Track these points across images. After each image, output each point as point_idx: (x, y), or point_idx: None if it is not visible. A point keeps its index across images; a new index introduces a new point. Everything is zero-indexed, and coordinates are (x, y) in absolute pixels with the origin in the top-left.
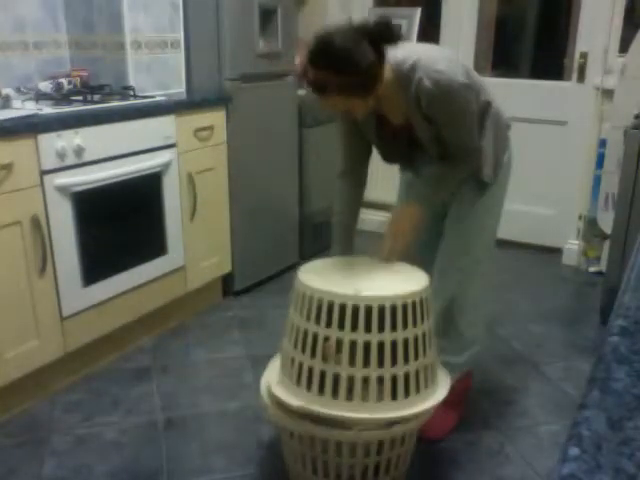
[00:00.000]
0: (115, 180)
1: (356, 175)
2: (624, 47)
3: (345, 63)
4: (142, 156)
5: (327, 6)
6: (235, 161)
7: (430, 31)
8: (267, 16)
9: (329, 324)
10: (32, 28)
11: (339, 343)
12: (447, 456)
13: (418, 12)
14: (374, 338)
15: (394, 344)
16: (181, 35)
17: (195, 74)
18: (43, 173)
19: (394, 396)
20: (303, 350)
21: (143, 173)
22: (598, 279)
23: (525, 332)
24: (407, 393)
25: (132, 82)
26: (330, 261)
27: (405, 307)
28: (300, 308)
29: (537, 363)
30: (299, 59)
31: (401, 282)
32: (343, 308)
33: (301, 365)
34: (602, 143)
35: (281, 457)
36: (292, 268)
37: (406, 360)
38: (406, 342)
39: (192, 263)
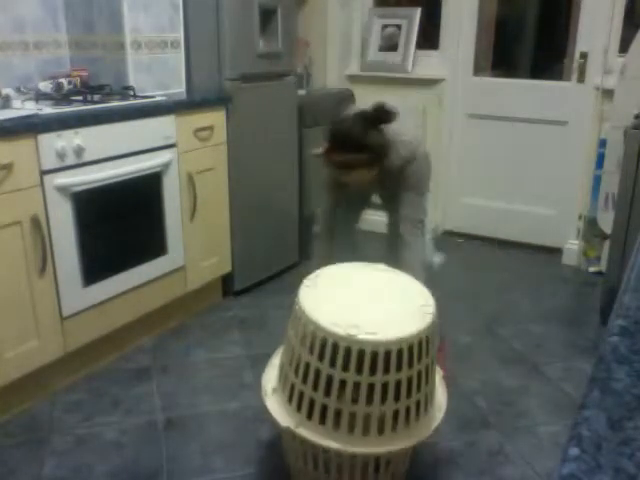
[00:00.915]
0: (115, 180)
1: (333, 230)
2: (624, 47)
3: (364, 145)
4: (142, 156)
5: (327, 6)
6: (235, 161)
7: (430, 31)
8: (267, 16)
9: (325, 360)
10: (32, 28)
11: (330, 378)
12: (447, 456)
13: (418, 12)
14: (364, 380)
15: (385, 385)
16: (181, 35)
17: (195, 74)
18: (43, 173)
19: (381, 431)
20: (296, 373)
21: (143, 173)
22: (598, 279)
23: (525, 332)
24: (394, 429)
25: (132, 82)
26: (333, 276)
27: (400, 352)
28: (301, 338)
29: (537, 363)
30: (322, 148)
31: (402, 316)
32: (338, 346)
33: (293, 387)
34: (602, 143)
35: (281, 456)
36: (292, 268)
37: (397, 399)
38: (398, 383)
39: (192, 263)
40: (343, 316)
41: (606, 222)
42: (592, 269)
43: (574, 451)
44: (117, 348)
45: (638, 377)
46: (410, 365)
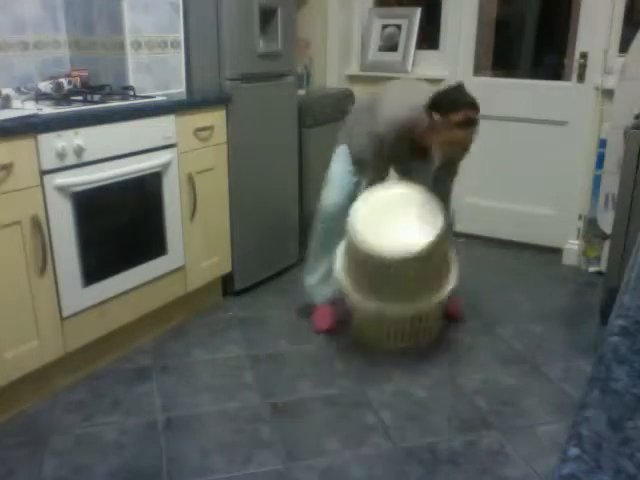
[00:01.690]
0: (115, 180)
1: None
2: (624, 47)
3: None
4: (142, 156)
5: (327, 6)
6: (235, 161)
7: (430, 31)
8: (267, 16)
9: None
10: (32, 28)
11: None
12: (447, 456)
13: (418, 12)
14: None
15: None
16: (181, 35)
17: (195, 74)
18: (43, 173)
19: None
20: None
21: (143, 173)
22: (598, 279)
23: (525, 332)
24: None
25: (132, 82)
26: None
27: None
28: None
29: (537, 363)
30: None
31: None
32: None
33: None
34: (602, 143)
35: (281, 456)
36: (292, 268)
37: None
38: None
39: (192, 263)
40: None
41: (606, 222)
42: (592, 269)
43: (574, 451)
44: (117, 348)
45: (638, 377)
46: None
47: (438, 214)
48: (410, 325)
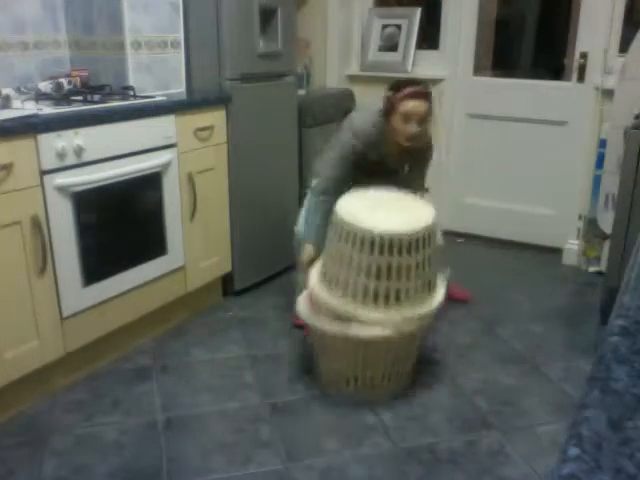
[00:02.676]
0: (115, 180)
1: (336, 197)
2: (624, 47)
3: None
4: (142, 156)
5: (327, 6)
6: (235, 161)
7: (430, 31)
8: (267, 16)
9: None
10: (32, 28)
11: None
12: (447, 456)
13: (418, 12)
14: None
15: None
16: (181, 35)
17: (195, 74)
18: (43, 173)
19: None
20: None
21: (143, 173)
22: (598, 279)
23: (525, 332)
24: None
25: (132, 82)
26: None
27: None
28: (345, 239)
29: (537, 363)
30: (392, 93)
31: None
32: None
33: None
34: (602, 143)
35: (281, 456)
36: (292, 268)
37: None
38: (408, 266)
39: (192, 263)
40: (374, 219)
41: (606, 222)
42: (592, 269)
43: (574, 451)
44: (117, 348)
45: (638, 377)
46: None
47: (429, 206)
48: (383, 361)
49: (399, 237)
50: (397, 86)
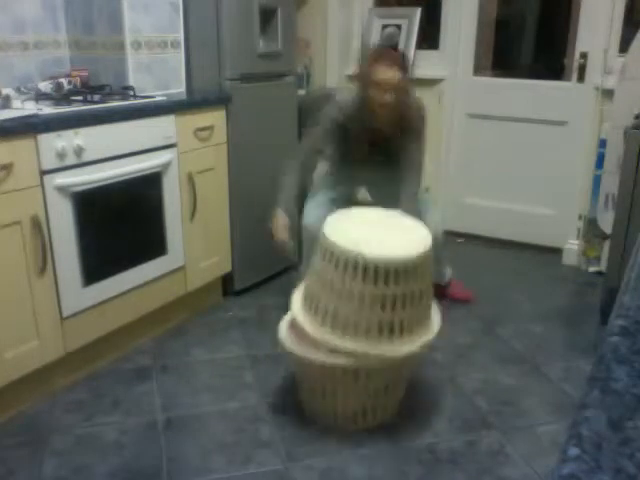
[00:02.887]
0: (115, 180)
1: (305, 172)
2: (624, 47)
3: (405, 66)
4: (142, 156)
5: (327, 6)
6: (235, 161)
7: (430, 31)
8: (267, 16)
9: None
10: (32, 28)
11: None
12: (447, 456)
13: (418, 12)
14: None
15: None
16: (181, 35)
17: (195, 74)
18: (43, 173)
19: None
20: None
21: (143, 173)
22: (598, 279)
23: (525, 332)
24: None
25: (132, 82)
26: (351, 216)
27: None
28: (328, 260)
29: (537, 363)
30: (358, 67)
31: (407, 243)
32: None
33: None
34: (602, 143)
35: (281, 456)
36: (292, 268)
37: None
38: (404, 296)
39: (192, 263)
40: (367, 242)
41: (606, 222)
42: (592, 269)
43: (574, 451)
44: (117, 348)
45: (638, 377)
46: (414, 280)
47: (426, 229)
48: (370, 394)
49: (395, 264)
50: (373, 56)
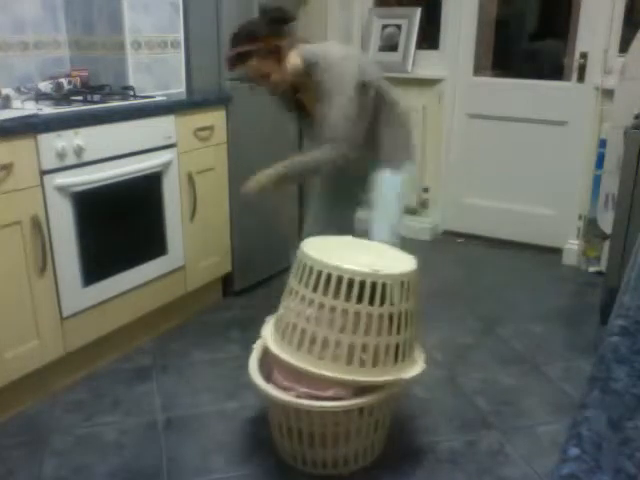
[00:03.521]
0: (115, 180)
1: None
2: (624, 47)
3: (249, 35)
4: (142, 156)
5: (327, 6)
6: (235, 161)
7: (430, 31)
8: None
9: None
10: (32, 28)
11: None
12: (447, 456)
13: (418, 12)
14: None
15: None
16: (181, 35)
17: (195, 74)
18: (43, 173)
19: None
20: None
21: (143, 173)
22: (598, 279)
23: (525, 332)
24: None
25: (132, 82)
26: (327, 240)
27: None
28: (306, 280)
29: (537, 363)
30: (225, 55)
31: (393, 262)
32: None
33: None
34: (602, 143)
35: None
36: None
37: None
38: (390, 316)
39: (192, 263)
40: (349, 260)
41: (606, 222)
42: (592, 269)
43: (574, 451)
44: (117, 348)
45: (638, 377)
46: (401, 300)
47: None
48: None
49: (382, 280)
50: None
